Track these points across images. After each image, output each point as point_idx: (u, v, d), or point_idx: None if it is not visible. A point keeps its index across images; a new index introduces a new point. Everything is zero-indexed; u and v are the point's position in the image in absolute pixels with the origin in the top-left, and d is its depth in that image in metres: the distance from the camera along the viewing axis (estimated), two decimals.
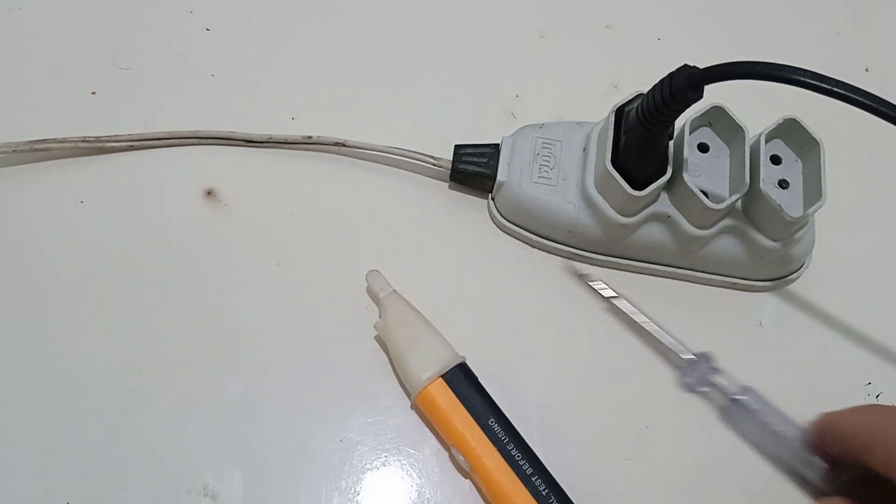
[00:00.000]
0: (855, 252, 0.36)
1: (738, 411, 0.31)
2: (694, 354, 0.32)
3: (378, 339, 0.32)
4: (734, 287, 0.35)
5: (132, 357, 0.31)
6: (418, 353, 0.30)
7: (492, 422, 0.29)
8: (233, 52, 0.38)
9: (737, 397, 0.31)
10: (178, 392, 0.31)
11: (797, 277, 0.35)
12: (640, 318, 0.32)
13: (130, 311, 0.32)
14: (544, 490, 0.28)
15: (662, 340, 0.32)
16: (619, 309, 0.33)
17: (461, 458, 0.29)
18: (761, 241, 0.32)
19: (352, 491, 0.30)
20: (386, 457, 0.30)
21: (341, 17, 0.40)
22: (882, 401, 0.33)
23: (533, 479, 0.28)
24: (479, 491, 0.30)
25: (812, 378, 0.33)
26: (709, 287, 0.35)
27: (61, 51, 0.37)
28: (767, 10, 0.42)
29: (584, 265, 0.34)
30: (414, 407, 0.31)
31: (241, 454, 0.30)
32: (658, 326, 0.32)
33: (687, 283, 0.35)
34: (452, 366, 0.30)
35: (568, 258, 0.34)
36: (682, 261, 0.34)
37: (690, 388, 0.32)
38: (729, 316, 0.34)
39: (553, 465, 0.29)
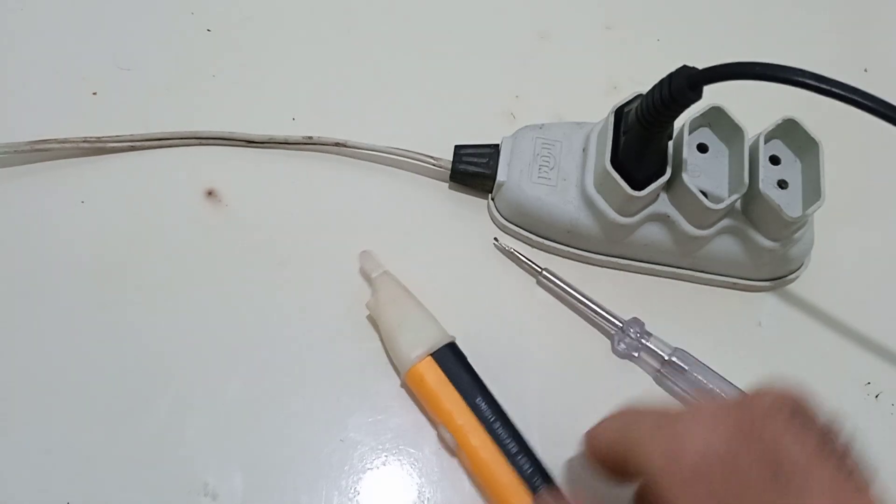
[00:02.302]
0: (854, 252, 0.36)
1: (671, 373, 0.32)
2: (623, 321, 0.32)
3: (370, 317, 0.32)
4: (734, 287, 0.35)
5: (132, 357, 0.31)
6: (408, 331, 0.30)
7: (479, 400, 0.29)
8: (233, 52, 0.38)
9: (668, 358, 0.31)
10: (178, 392, 0.31)
11: (796, 277, 0.35)
12: (570, 290, 0.33)
13: (131, 311, 0.32)
14: (528, 469, 0.28)
15: (594, 311, 0.32)
16: (550, 281, 0.33)
17: (448, 435, 0.29)
18: (760, 241, 0.32)
19: (352, 491, 0.30)
20: (386, 457, 0.30)
21: (342, 18, 0.40)
22: (882, 401, 0.33)
23: (517, 458, 0.28)
24: (465, 468, 0.30)
25: (811, 378, 0.33)
26: (708, 287, 0.35)
27: (62, 51, 0.37)
28: (767, 10, 0.43)
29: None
30: (403, 385, 0.31)
31: (241, 454, 0.30)
32: (586, 298, 0.33)
33: (686, 283, 0.35)
34: (442, 344, 0.30)
35: (567, 258, 0.35)
36: (681, 261, 0.34)
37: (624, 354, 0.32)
38: (728, 316, 0.34)
39: (553, 465, 0.29)
